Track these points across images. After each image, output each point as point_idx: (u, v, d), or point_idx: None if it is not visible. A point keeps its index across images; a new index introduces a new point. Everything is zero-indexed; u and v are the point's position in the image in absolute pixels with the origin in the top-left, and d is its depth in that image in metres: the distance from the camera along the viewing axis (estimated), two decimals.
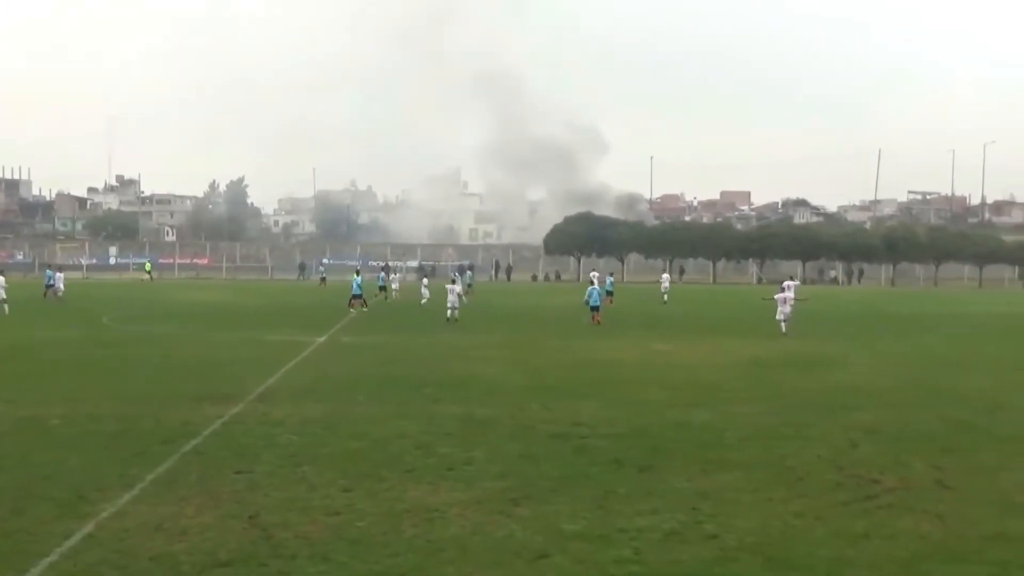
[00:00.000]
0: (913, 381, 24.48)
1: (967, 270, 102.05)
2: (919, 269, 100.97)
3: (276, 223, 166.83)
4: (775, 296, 35.46)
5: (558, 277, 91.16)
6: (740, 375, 24.78)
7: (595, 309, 37.01)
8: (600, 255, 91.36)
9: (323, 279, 75.12)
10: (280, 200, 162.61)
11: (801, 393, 21.84)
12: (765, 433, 17.22)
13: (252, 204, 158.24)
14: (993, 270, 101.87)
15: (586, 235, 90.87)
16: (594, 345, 30.91)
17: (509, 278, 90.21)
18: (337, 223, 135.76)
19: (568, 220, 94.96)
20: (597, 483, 13.43)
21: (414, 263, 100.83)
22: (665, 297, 57.11)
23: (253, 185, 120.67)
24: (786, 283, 36.46)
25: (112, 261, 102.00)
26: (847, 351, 31.22)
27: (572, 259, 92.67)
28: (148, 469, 13.33)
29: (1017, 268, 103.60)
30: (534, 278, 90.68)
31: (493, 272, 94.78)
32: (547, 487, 13.17)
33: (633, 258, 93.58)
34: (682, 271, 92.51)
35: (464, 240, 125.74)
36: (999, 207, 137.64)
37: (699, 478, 13.79)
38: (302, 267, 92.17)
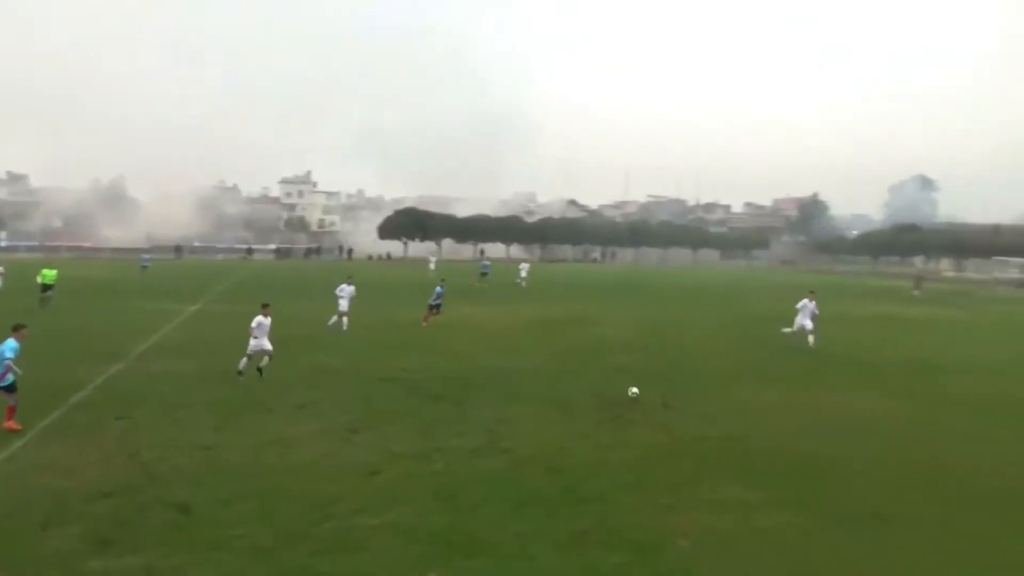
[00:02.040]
0: (649, 334, 25.85)
1: (686, 253, 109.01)
2: (654, 252, 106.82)
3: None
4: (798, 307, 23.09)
5: (388, 257, 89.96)
6: (528, 332, 25.36)
7: (432, 308, 26.85)
8: (422, 240, 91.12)
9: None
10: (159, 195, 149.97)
11: (572, 344, 22.63)
12: (546, 374, 17.76)
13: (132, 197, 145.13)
14: (704, 253, 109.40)
15: (410, 224, 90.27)
16: (416, 311, 30.71)
17: (350, 257, 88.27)
18: (207, 213, 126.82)
19: (397, 212, 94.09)
20: (420, 415, 13.44)
21: (273, 246, 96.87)
22: (523, 284, 46.77)
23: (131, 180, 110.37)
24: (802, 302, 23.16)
25: (3, 244, 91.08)
26: (604, 312, 32.47)
27: (400, 243, 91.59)
28: (38, 419, 12.11)
29: (720, 252, 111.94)
30: (369, 258, 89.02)
31: (338, 252, 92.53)
32: (380, 419, 13.04)
33: (446, 243, 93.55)
34: (482, 252, 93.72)
35: (313, 228, 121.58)
36: (708, 207, 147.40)
37: (498, 408, 14.07)
38: (177, 249, 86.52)
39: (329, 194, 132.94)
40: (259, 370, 16.18)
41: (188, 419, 12.65)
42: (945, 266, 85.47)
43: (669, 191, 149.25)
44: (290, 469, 10.23)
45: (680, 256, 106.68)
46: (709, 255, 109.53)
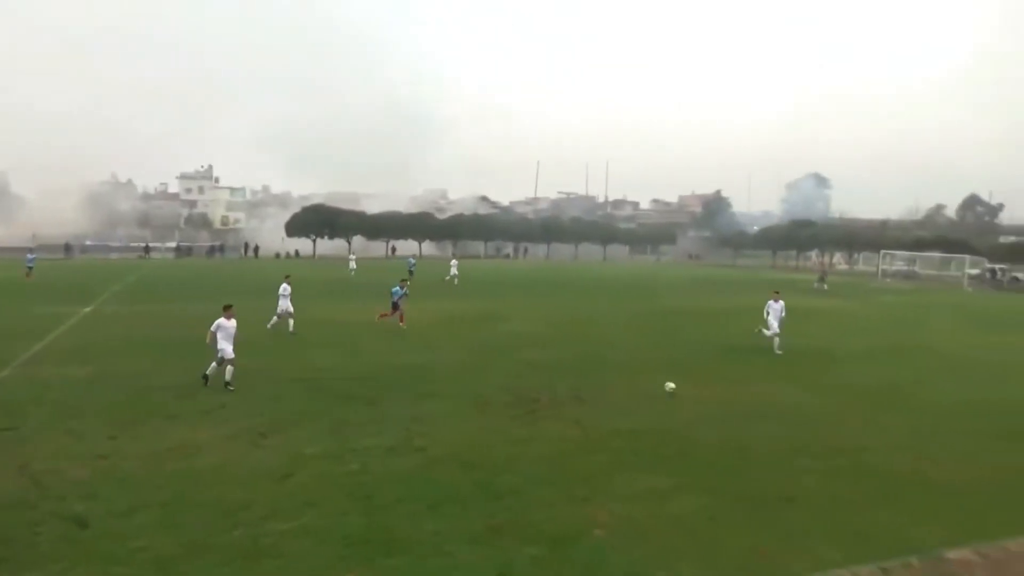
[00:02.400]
0: (560, 328, 26.20)
1: (596, 249, 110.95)
2: (565, 248, 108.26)
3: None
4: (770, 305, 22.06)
5: (297, 254, 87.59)
6: (440, 329, 25.21)
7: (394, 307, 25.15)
8: (331, 237, 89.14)
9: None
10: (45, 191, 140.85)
11: (484, 340, 22.68)
12: (459, 370, 17.73)
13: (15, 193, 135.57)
14: (613, 249, 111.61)
15: (319, 221, 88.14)
16: (328, 308, 30.08)
17: (256, 255, 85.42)
18: (99, 210, 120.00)
19: (305, 209, 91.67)
20: (332, 415, 13.18)
21: (172, 244, 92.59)
22: (455, 281, 45.21)
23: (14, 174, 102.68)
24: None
25: None
26: (515, 308, 32.57)
27: (309, 241, 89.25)
28: None
29: (628, 247, 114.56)
30: (277, 256, 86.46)
31: (243, 251, 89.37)
32: (291, 421, 12.71)
33: (356, 240, 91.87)
34: (394, 250, 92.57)
35: (216, 226, 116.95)
36: (617, 204, 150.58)
37: (412, 406, 13.95)
38: (67, 248, 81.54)
39: (233, 190, 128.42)
40: (227, 384, 14.89)
41: (82, 428, 11.97)
42: (838, 259, 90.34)
43: (579, 188, 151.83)
44: (195, 476, 9.84)
45: (591, 251, 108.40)
46: (618, 250, 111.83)
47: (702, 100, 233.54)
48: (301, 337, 22.22)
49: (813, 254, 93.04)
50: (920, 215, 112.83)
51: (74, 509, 8.54)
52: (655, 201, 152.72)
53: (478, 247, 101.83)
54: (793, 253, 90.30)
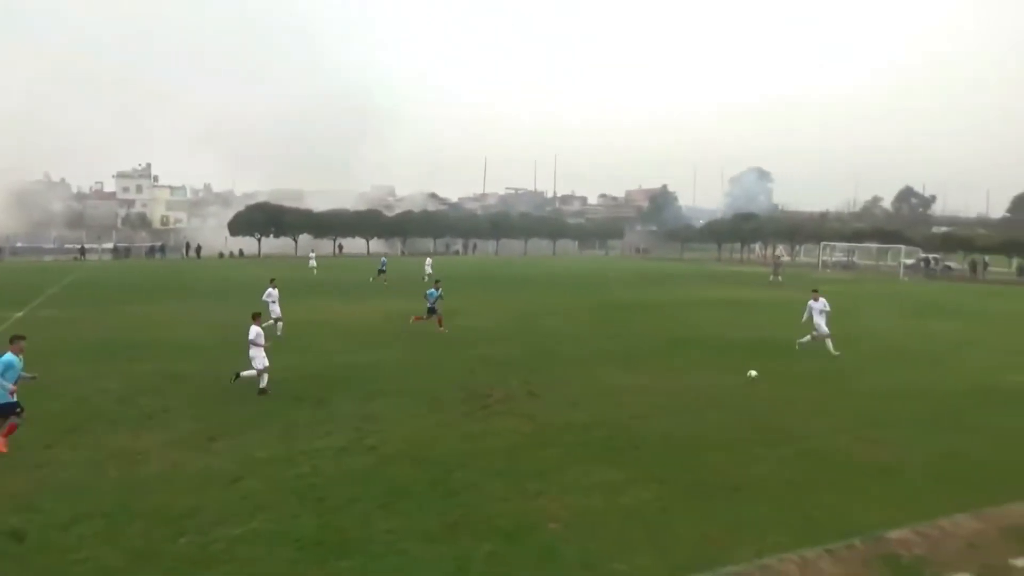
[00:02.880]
0: (511, 323, 26.28)
1: (546, 244, 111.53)
2: (515, 243, 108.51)
3: None
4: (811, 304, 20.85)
5: (241, 254, 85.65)
6: (390, 326, 25.01)
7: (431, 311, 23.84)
8: (277, 236, 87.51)
9: None
10: None
11: (434, 336, 22.58)
12: (410, 368, 17.64)
13: None
14: (562, 244, 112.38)
15: (264, 220, 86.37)
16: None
17: (199, 256, 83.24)
18: (29, 210, 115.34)
19: (249, 207, 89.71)
20: (281, 417, 12.96)
21: (109, 245, 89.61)
22: (426, 278, 43.81)
23: None
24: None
25: None
26: (466, 303, 32.30)
27: (254, 238, 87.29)
28: None
29: (577, 242, 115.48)
30: (221, 255, 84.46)
31: (184, 251, 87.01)
32: (239, 424, 12.46)
33: (303, 237, 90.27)
34: (341, 248, 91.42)
35: (156, 226, 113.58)
36: (566, 199, 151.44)
37: (363, 405, 13.82)
38: None
39: (173, 188, 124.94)
40: (237, 375, 15.21)
41: (16, 436, 11.50)
42: (780, 251, 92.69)
43: (527, 183, 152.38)
44: (139, 484, 9.57)
45: (540, 247, 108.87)
46: (567, 245, 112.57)
47: (648, 96, 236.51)
48: (244, 339, 21.73)
49: (756, 247, 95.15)
50: (858, 207, 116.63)
51: (10, 523, 8.22)
52: (603, 196, 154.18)
53: (427, 244, 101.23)
54: (738, 246, 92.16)
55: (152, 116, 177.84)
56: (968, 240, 64.96)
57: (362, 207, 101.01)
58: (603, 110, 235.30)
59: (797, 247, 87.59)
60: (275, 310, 22.59)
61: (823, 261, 73.09)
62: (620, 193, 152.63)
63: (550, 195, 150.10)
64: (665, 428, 12.46)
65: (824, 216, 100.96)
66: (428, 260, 48.76)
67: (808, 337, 20.63)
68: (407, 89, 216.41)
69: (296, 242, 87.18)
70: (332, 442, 11.44)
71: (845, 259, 74.85)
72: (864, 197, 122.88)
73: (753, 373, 16.59)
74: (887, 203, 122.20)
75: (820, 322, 20.58)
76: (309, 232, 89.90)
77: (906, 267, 63.33)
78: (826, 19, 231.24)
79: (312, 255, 57.51)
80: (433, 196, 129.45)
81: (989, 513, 8.87)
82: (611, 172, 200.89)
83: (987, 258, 63.96)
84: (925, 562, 7.58)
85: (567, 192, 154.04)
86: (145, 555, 7.49)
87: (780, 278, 51.10)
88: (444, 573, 7.24)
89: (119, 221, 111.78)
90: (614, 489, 9.54)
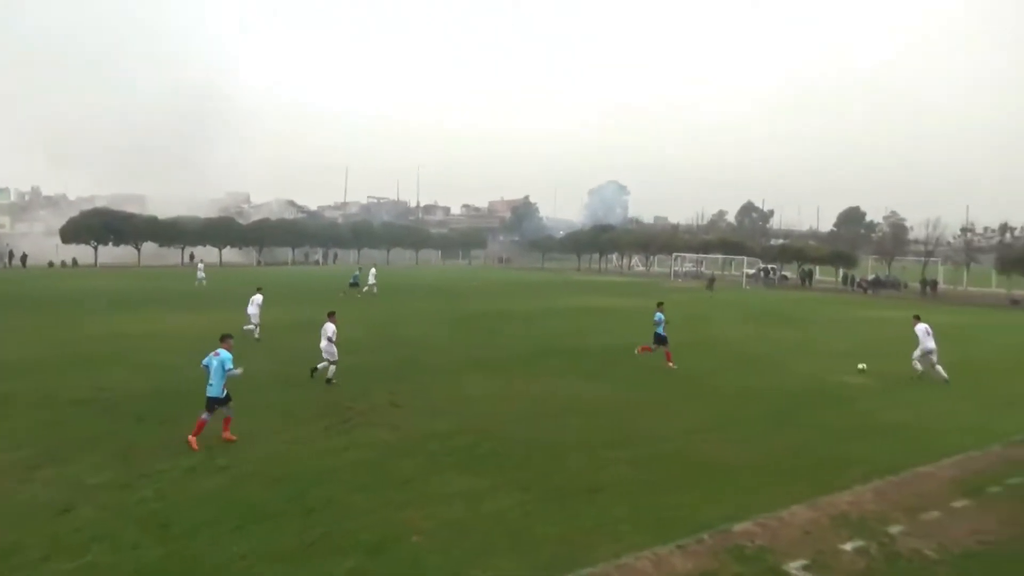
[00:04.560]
0: (375, 333, 25.85)
1: (408, 253, 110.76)
2: (377, 253, 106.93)
3: None
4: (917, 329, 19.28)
5: (75, 263, 78.91)
6: (245, 339, 23.81)
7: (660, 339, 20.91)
8: (117, 244, 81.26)
9: None
10: None
11: (297, 350, 21.73)
12: (266, 381, 16.91)
13: None
14: (424, 253, 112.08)
15: (101, 226, 79.97)
16: (116, 319, 27.48)
17: (24, 265, 75.84)
18: None
19: (84, 213, 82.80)
20: (121, 439, 12.03)
21: None
22: (374, 290, 42.60)
23: None
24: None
25: None
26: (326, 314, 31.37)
27: (89, 247, 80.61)
28: None
29: (440, 252, 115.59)
30: (51, 264, 77.42)
31: (7, 259, 78.98)
32: (71, 448, 11.44)
33: (147, 246, 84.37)
34: (192, 256, 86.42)
35: None
36: (428, 208, 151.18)
37: (212, 423, 13.01)
38: None
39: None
40: (314, 370, 17.11)
41: None
42: (635, 262, 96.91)
43: (390, 193, 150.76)
44: None
45: (403, 256, 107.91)
46: (430, 255, 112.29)
47: (511, 108, 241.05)
48: (85, 354, 20.12)
49: (614, 257, 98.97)
50: (705, 220, 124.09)
51: None
52: (465, 206, 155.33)
53: (286, 253, 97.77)
54: (596, 256, 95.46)
55: None
56: (801, 251, 70.58)
57: (214, 214, 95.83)
58: (466, 124, 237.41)
59: (651, 257, 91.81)
60: (254, 313, 24.31)
61: (675, 271, 77.16)
62: (483, 204, 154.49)
63: (413, 204, 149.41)
64: (527, 434, 12.67)
65: (676, 228, 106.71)
66: (372, 270, 46.31)
67: (917, 365, 19.22)
68: (266, 91, 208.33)
69: (139, 251, 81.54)
70: (178, 463, 10.75)
71: (694, 269, 79.30)
72: (711, 211, 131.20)
73: (862, 366, 19.64)
74: (731, 216, 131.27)
75: (930, 344, 18.98)
76: (154, 240, 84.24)
77: (748, 276, 68.06)
78: (690, 37, 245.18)
79: (200, 265, 53.01)
80: (291, 204, 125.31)
81: (821, 503, 9.68)
82: (473, 183, 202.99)
83: (816, 268, 69.80)
84: (767, 551, 8.15)
85: (430, 202, 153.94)
86: None
87: (712, 291, 53.99)
88: None
89: None
90: (477, 496, 9.58)
